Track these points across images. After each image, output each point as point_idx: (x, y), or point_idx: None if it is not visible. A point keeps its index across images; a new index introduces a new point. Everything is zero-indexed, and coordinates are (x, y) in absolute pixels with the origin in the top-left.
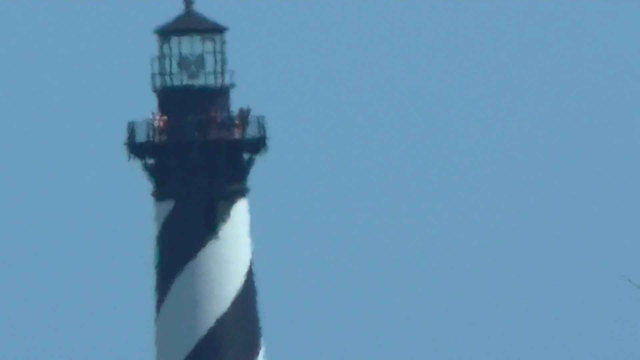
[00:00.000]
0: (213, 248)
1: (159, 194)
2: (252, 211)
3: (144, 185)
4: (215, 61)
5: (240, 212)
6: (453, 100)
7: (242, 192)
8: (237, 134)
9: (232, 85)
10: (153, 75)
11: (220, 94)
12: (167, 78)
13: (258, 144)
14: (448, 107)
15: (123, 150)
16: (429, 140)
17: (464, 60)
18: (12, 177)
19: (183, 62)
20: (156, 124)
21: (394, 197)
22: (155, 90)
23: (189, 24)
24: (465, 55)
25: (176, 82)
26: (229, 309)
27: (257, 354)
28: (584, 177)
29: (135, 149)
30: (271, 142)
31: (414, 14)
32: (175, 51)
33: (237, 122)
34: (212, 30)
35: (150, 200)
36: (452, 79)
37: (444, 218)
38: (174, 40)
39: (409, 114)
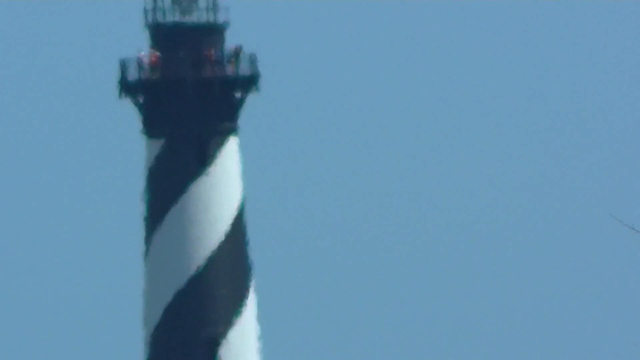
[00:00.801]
0: (203, 185)
1: (150, 132)
2: (243, 149)
3: (135, 122)
4: None
5: (231, 150)
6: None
7: (233, 130)
8: (229, 72)
9: (226, 22)
10: (145, 11)
11: (214, 31)
12: (160, 14)
13: (250, 82)
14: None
15: (115, 88)
16: (426, 88)
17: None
18: (9, 114)
19: None
20: (147, 60)
21: (384, 139)
22: (147, 26)
23: None
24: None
25: (169, 19)
26: (219, 246)
27: (248, 291)
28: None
29: (127, 87)
30: (263, 81)
31: None
32: None
33: (230, 59)
34: None
35: (141, 137)
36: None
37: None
38: None
39: (404, 60)
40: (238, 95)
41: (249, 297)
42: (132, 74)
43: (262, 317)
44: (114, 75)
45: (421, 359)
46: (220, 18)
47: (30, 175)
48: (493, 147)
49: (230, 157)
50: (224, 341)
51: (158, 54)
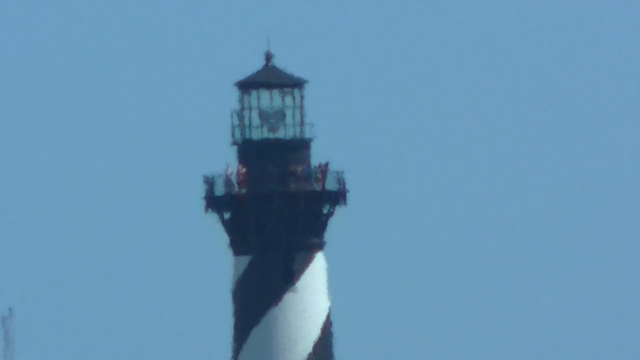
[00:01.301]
0: (290, 300)
1: (237, 248)
2: (330, 263)
3: (222, 239)
4: (295, 114)
5: (317, 265)
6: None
7: (320, 245)
8: (316, 187)
9: (312, 138)
10: (233, 127)
11: (300, 146)
12: (247, 130)
13: (337, 197)
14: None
15: (201, 204)
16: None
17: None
18: (98, 226)
19: (263, 115)
20: (234, 177)
21: (471, 251)
22: (235, 143)
23: (269, 78)
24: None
25: (256, 135)
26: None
27: None
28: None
29: (214, 202)
30: (350, 196)
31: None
32: (255, 104)
33: (318, 175)
34: (292, 84)
35: (227, 253)
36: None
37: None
38: (254, 93)
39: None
40: (326, 210)
41: None
42: (219, 190)
43: None
44: (200, 191)
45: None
46: (307, 134)
47: (119, 292)
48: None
49: (316, 273)
50: None
51: (245, 169)
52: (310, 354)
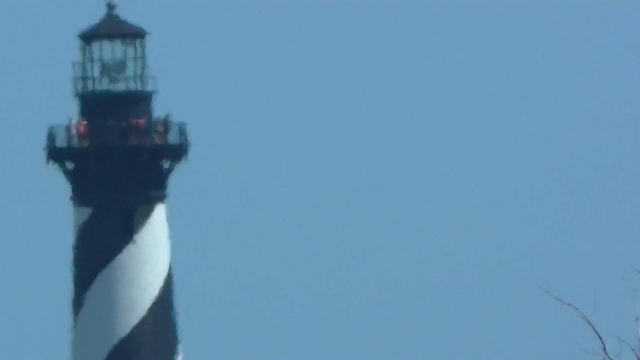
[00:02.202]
0: (130, 253)
1: (78, 200)
2: (171, 217)
3: (63, 189)
4: (137, 66)
5: (158, 218)
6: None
7: (161, 198)
8: (158, 140)
9: (154, 91)
10: (74, 79)
11: (142, 99)
12: (89, 83)
13: (179, 151)
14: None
15: (42, 155)
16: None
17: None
18: None
19: (104, 67)
20: (74, 129)
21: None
22: (76, 95)
23: (111, 29)
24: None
25: (97, 87)
26: (146, 314)
27: (176, 355)
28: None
29: (55, 153)
30: (192, 150)
31: None
32: (97, 55)
33: (158, 128)
34: (134, 34)
35: (69, 204)
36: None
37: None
38: (96, 44)
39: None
40: (167, 164)
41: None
42: (61, 142)
43: None
44: (43, 142)
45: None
46: (148, 87)
47: None
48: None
49: (157, 225)
50: None
51: (86, 122)
52: (151, 306)
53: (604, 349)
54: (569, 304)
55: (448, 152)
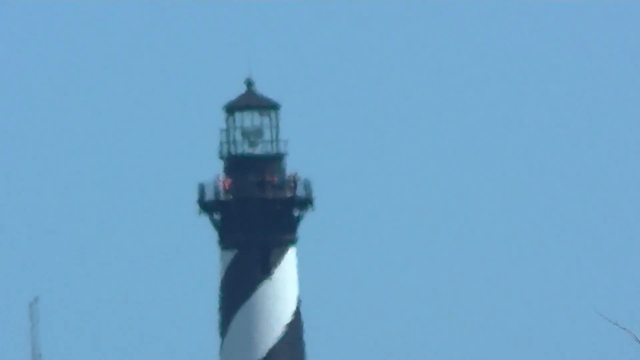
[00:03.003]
0: (267, 287)
1: (224, 244)
2: (299, 257)
3: (212, 237)
4: (272, 132)
5: (290, 258)
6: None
7: (292, 242)
8: (289, 194)
9: (285, 153)
10: (221, 144)
11: (276, 160)
12: (232, 146)
13: (306, 202)
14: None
15: (195, 207)
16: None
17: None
18: (104, 231)
19: (245, 133)
20: (221, 185)
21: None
22: (222, 157)
23: (250, 101)
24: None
25: (239, 150)
26: (280, 338)
27: None
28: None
29: (205, 206)
30: (317, 201)
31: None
32: (238, 124)
33: (289, 183)
34: (269, 106)
35: (216, 248)
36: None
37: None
38: (238, 114)
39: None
40: (296, 213)
41: None
42: (209, 196)
43: None
44: (195, 196)
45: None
46: (281, 150)
47: (121, 289)
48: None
49: (289, 265)
50: None
51: (230, 179)
52: (283, 334)
53: None
54: (624, 328)
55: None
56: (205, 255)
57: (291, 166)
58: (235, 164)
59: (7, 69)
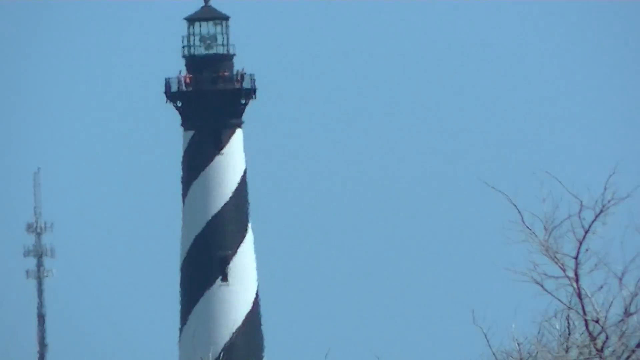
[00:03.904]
0: (218, 161)
1: (185, 126)
2: (245, 137)
3: (176, 118)
4: (223, 38)
5: (237, 138)
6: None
7: (239, 125)
8: (237, 86)
9: (234, 54)
10: (183, 47)
11: (227, 59)
12: (192, 49)
13: (250, 93)
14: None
15: (162, 97)
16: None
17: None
18: (83, 121)
19: (202, 38)
20: (182, 80)
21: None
22: (184, 57)
23: (206, 14)
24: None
25: (198, 52)
26: (229, 198)
27: (247, 228)
28: None
29: (171, 96)
30: (259, 92)
31: None
32: (197, 31)
33: (237, 78)
34: (221, 18)
35: (179, 129)
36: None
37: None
38: (197, 24)
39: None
40: (242, 101)
41: (248, 232)
42: (174, 88)
43: (256, 245)
44: (162, 88)
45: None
46: (231, 51)
47: (97, 165)
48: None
49: (237, 143)
50: (232, 260)
51: (190, 75)
52: (231, 198)
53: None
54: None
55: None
56: (170, 134)
57: (238, 64)
58: (194, 63)
59: None
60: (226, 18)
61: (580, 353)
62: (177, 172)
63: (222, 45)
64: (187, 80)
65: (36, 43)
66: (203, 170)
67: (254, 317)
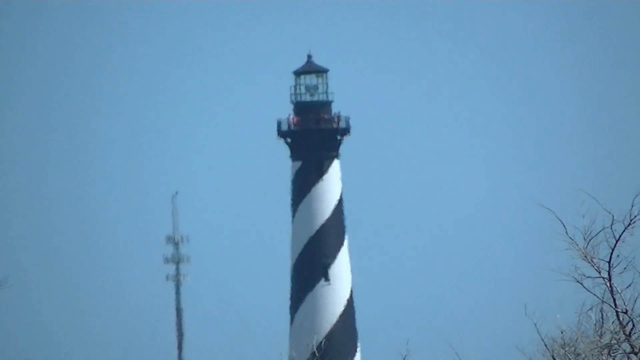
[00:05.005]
0: (320, 185)
1: (293, 157)
2: (342, 166)
3: (286, 151)
4: (323, 87)
5: (335, 167)
6: None
7: (336, 156)
8: (334, 125)
9: (332, 100)
10: (291, 94)
11: (326, 105)
12: (299, 96)
13: (345, 131)
14: None
15: (275, 134)
16: None
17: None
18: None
19: (307, 88)
20: (291, 120)
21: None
22: (292, 103)
23: (310, 68)
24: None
25: (303, 98)
26: (329, 216)
27: (343, 240)
28: None
29: (282, 133)
30: (353, 130)
31: None
32: (302, 82)
33: (335, 119)
34: (322, 71)
35: (289, 160)
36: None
37: None
38: (302, 76)
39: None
40: (340, 137)
41: (344, 242)
42: (284, 127)
43: (351, 253)
44: (274, 127)
45: None
46: (329, 98)
47: (224, 188)
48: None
49: (335, 171)
50: (332, 265)
51: (297, 117)
52: (331, 214)
53: None
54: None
55: None
56: (281, 164)
57: (335, 108)
58: (301, 107)
59: None
60: (326, 71)
61: (612, 338)
62: (287, 195)
63: (323, 93)
64: (295, 121)
65: (184, 91)
66: (308, 193)
67: (349, 311)
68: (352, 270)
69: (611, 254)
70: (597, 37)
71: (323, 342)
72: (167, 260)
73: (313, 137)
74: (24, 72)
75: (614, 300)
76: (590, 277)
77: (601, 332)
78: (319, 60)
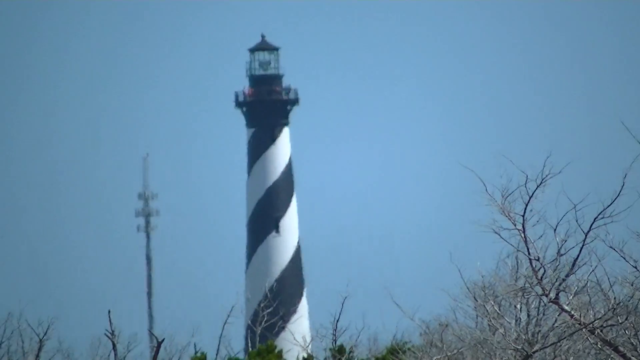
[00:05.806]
0: (272, 149)
1: (248, 125)
2: (291, 133)
3: (242, 120)
4: (276, 63)
5: (285, 133)
6: None
7: (287, 124)
8: (285, 97)
9: (283, 74)
10: (247, 69)
11: (278, 78)
12: (253, 70)
13: (294, 101)
14: None
15: (232, 104)
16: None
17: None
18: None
19: (260, 63)
20: (247, 92)
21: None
22: (247, 76)
23: (263, 46)
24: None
25: (257, 72)
26: (279, 176)
27: (293, 195)
28: None
29: (238, 104)
30: (301, 101)
31: None
32: (257, 58)
33: (285, 91)
34: (274, 48)
35: (244, 127)
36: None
37: None
38: (257, 53)
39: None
40: (289, 107)
41: (293, 199)
42: (240, 98)
43: (299, 208)
44: (232, 98)
45: None
46: (281, 72)
47: (188, 152)
48: None
49: (285, 136)
50: (282, 218)
51: (252, 89)
52: (281, 173)
53: None
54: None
55: None
56: (238, 131)
57: (286, 82)
58: (255, 80)
59: None
60: (277, 48)
61: (526, 282)
62: (244, 157)
63: (275, 68)
64: (250, 92)
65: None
66: (262, 155)
67: (297, 258)
68: (299, 223)
69: (525, 208)
70: None
71: (274, 285)
72: (138, 214)
73: (266, 107)
74: None
75: (528, 249)
76: (507, 229)
77: (516, 277)
78: (271, 39)
